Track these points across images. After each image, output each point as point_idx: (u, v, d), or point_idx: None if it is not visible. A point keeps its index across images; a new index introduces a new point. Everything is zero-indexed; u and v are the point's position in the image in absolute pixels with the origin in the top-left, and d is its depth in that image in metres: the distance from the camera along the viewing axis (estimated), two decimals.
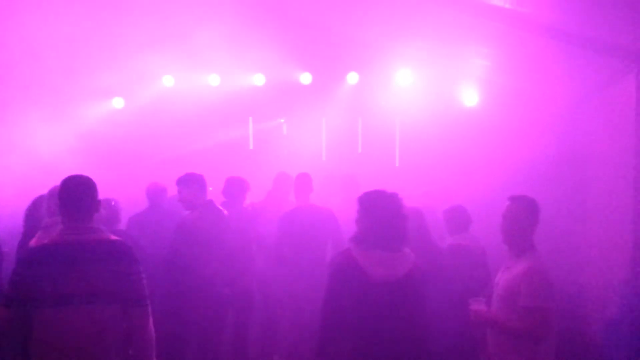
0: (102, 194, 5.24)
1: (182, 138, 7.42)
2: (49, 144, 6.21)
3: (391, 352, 2.76)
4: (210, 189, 5.85)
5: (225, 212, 4.41)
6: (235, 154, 7.52)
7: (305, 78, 7.15)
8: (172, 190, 5.03)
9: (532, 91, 6.18)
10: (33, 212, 4.06)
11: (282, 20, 6.40)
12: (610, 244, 4.76)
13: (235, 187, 4.96)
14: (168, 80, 7.35)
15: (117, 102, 7.67)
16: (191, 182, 4.34)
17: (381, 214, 2.83)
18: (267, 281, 4.87)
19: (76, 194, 2.79)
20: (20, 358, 2.66)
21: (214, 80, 7.26)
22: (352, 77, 7.07)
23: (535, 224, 2.99)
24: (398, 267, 2.79)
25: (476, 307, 3.07)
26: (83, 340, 2.63)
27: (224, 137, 7.61)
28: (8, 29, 5.61)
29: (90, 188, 2.83)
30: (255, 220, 4.90)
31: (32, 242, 3.48)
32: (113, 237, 2.85)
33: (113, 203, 4.51)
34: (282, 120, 7.92)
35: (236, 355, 4.98)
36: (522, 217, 2.96)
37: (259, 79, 7.21)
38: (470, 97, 6.71)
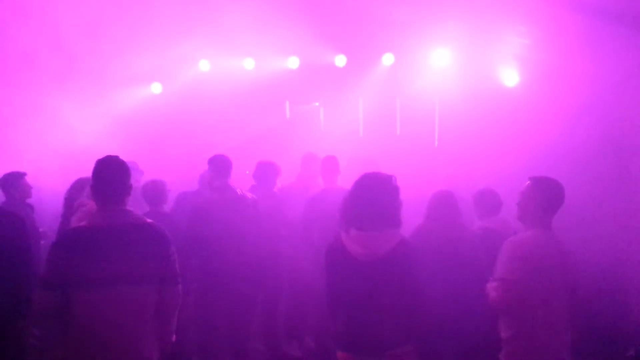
0: (142, 177, 5.42)
1: (220, 122, 7.50)
2: (89, 128, 6.41)
3: (380, 330, 2.80)
4: (247, 172, 5.93)
5: (248, 195, 4.40)
6: (272, 137, 7.54)
7: (340, 60, 7.10)
8: None
9: (574, 71, 5.94)
10: (72, 195, 4.19)
11: (314, 1, 6.35)
12: None
13: (266, 171, 4.96)
14: (204, 65, 7.44)
15: (155, 87, 7.81)
16: (211, 164, 4.35)
17: (360, 195, 2.86)
18: (295, 263, 4.90)
19: (110, 177, 2.80)
20: (60, 339, 2.73)
21: (248, 64, 7.30)
22: (388, 58, 6.96)
23: (552, 205, 3.04)
24: (377, 246, 2.80)
25: (490, 285, 3.11)
26: (123, 320, 2.71)
27: (261, 121, 7.68)
28: (51, 14, 5.75)
29: (123, 171, 2.83)
30: (284, 204, 4.90)
31: (71, 225, 3.56)
32: (148, 220, 2.90)
33: (159, 184, 4.60)
34: (317, 104, 7.90)
35: (268, 337, 5.04)
36: (538, 197, 3.02)
37: (293, 62, 7.20)
38: (510, 76, 6.51)
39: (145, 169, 5.80)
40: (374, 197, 2.83)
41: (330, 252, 2.95)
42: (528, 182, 3.12)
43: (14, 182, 4.94)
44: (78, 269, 2.66)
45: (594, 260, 5.12)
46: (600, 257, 5.13)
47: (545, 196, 3.01)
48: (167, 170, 6.36)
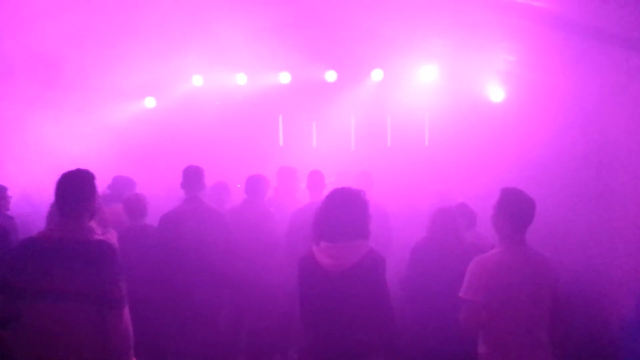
0: (132, 190, 5.46)
1: (213, 136, 7.58)
2: (83, 142, 6.47)
3: (349, 342, 2.84)
4: (238, 186, 6.00)
5: (213, 207, 4.50)
6: (265, 151, 7.65)
7: (331, 76, 7.23)
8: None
9: (558, 87, 6.11)
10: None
11: (304, 18, 6.46)
12: (637, 244, 4.69)
13: (256, 185, 5.01)
14: (197, 80, 7.54)
15: (149, 102, 7.91)
16: (183, 174, 4.47)
17: (330, 208, 2.95)
18: (278, 277, 4.97)
19: (68, 190, 2.73)
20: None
21: (241, 79, 7.41)
22: (377, 74, 7.11)
23: (521, 219, 3.00)
24: (345, 257, 2.86)
25: None
26: (58, 337, 2.64)
27: (254, 135, 7.77)
28: (44, 29, 5.82)
29: (85, 185, 2.76)
30: (275, 217, 4.94)
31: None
32: (97, 238, 2.79)
33: (140, 198, 4.70)
34: (304, 117, 8.02)
35: (250, 351, 5.09)
36: (506, 211, 3.00)
37: (284, 77, 7.32)
38: (496, 92, 6.67)
39: (139, 183, 5.86)
40: (343, 210, 2.92)
41: (303, 265, 3.00)
42: (498, 195, 3.08)
43: None
44: (20, 278, 2.65)
45: (576, 271, 5.24)
46: (583, 268, 5.24)
47: (512, 211, 2.98)
48: (161, 184, 6.44)
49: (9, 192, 5.15)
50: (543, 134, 6.02)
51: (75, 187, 2.75)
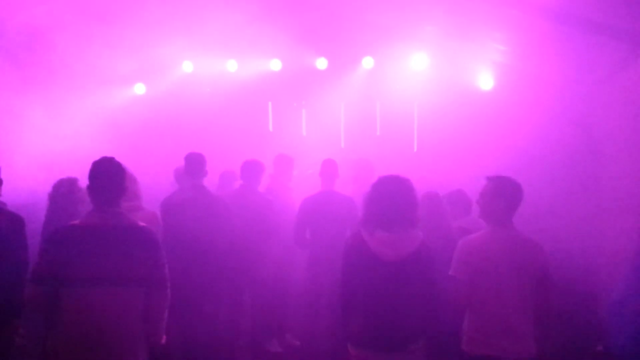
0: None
1: (204, 123, 7.55)
2: (72, 129, 6.42)
3: (399, 327, 2.92)
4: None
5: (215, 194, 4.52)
6: (255, 138, 7.64)
7: (321, 63, 7.22)
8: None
9: (548, 76, 6.16)
10: (53, 194, 4.27)
11: (295, 5, 6.44)
12: (624, 229, 4.78)
13: (251, 170, 5.01)
14: (188, 66, 7.50)
15: (139, 88, 7.85)
16: (185, 161, 4.48)
17: (384, 197, 2.97)
18: (278, 263, 5.00)
19: (103, 179, 2.86)
20: (45, 337, 2.76)
21: (231, 65, 7.37)
22: (368, 62, 7.11)
23: (510, 203, 3.11)
24: (403, 247, 2.92)
25: None
26: (108, 320, 2.73)
27: (244, 122, 7.76)
28: (31, 17, 5.75)
29: (118, 172, 2.90)
30: (272, 202, 4.97)
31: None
32: (140, 223, 2.95)
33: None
34: (295, 104, 8.02)
35: (248, 334, 5.15)
36: (490, 194, 3.11)
37: (275, 65, 7.30)
38: (485, 81, 6.71)
39: (131, 170, 5.83)
40: (396, 198, 2.95)
41: (350, 252, 3.02)
42: (485, 182, 3.20)
43: None
44: (66, 266, 2.71)
45: (566, 258, 5.33)
46: (571, 255, 5.33)
47: (502, 195, 3.09)
48: (151, 171, 6.42)
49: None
50: (533, 122, 6.09)
51: (111, 176, 2.88)
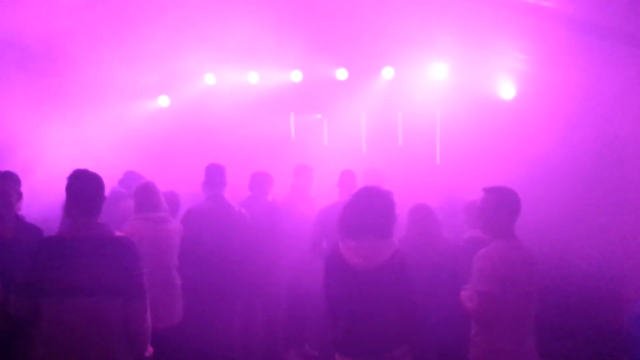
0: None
1: (226, 134, 7.63)
2: (98, 140, 6.58)
3: (377, 334, 2.94)
4: None
5: (236, 207, 4.55)
6: (277, 149, 7.68)
7: (341, 74, 7.26)
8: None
9: (569, 85, 6.09)
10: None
11: (315, 17, 6.49)
12: None
13: (260, 182, 5.08)
14: (210, 78, 7.62)
15: (163, 100, 8.01)
16: (206, 172, 4.55)
17: (357, 207, 3.02)
18: (295, 273, 5.02)
19: (85, 190, 2.86)
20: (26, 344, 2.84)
21: (253, 77, 7.47)
22: (388, 72, 7.11)
23: (510, 214, 3.10)
24: (373, 256, 2.94)
25: (464, 294, 3.20)
26: (85, 332, 2.73)
27: (266, 133, 7.82)
28: (58, 27, 5.91)
29: (99, 185, 2.90)
30: (280, 213, 5.02)
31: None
32: (117, 234, 2.94)
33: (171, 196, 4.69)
34: (319, 116, 8.06)
35: (266, 345, 5.16)
36: (492, 207, 3.10)
37: (296, 76, 7.36)
38: (507, 90, 6.66)
39: (154, 181, 5.92)
40: (371, 208, 2.99)
41: (329, 260, 3.09)
42: (483, 194, 3.19)
43: None
44: (43, 276, 2.73)
45: (591, 268, 5.25)
46: (597, 265, 5.25)
47: (505, 206, 3.08)
48: (175, 182, 6.52)
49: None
50: (554, 131, 6.01)
51: (90, 187, 2.87)
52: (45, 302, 2.73)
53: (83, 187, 2.86)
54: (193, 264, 4.23)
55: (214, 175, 4.52)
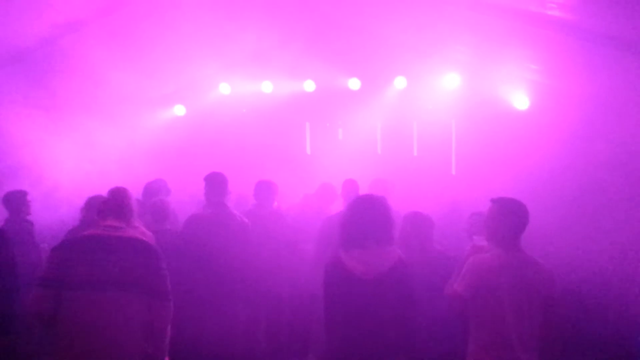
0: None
1: (241, 144, 7.74)
2: (114, 150, 6.70)
3: (378, 344, 2.93)
4: None
5: (238, 215, 4.56)
6: (292, 159, 7.77)
7: (354, 84, 7.31)
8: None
9: (583, 95, 6.07)
10: (84, 212, 4.47)
11: (328, 27, 6.56)
12: None
13: (265, 190, 5.10)
14: (225, 88, 7.73)
15: (179, 109, 8.14)
16: (206, 181, 4.54)
17: (358, 215, 3.03)
18: (299, 282, 5.01)
19: (119, 201, 3.27)
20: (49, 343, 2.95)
21: (266, 87, 7.56)
22: (400, 82, 7.14)
23: (516, 226, 3.09)
24: (378, 264, 2.95)
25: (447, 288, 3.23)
26: (107, 325, 2.90)
27: (281, 143, 7.92)
28: (79, 43, 6.05)
29: (130, 197, 3.40)
30: (285, 221, 5.05)
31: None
32: (144, 237, 3.26)
33: (165, 203, 4.85)
34: (328, 124, 8.12)
35: (270, 355, 5.13)
36: (497, 217, 3.10)
37: (309, 85, 7.43)
38: (520, 100, 6.64)
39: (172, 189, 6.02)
40: (370, 216, 3.01)
41: (329, 270, 3.07)
42: (490, 204, 3.18)
43: (19, 199, 5.22)
44: (70, 269, 2.92)
45: (604, 280, 5.22)
46: (612, 274, 5.21)
47: (509, 217, 3.07)
48: (187, 190, 6.61)
49: (29, 197, 5.35)
50: (568, 141, 5.98)
51: (125, 199, 3.32)
52: (69, 294, 2.91)
53: (118, 198, 3.30)
54: (193, 269, 4.27)
55: (215, 184, 4.52)
